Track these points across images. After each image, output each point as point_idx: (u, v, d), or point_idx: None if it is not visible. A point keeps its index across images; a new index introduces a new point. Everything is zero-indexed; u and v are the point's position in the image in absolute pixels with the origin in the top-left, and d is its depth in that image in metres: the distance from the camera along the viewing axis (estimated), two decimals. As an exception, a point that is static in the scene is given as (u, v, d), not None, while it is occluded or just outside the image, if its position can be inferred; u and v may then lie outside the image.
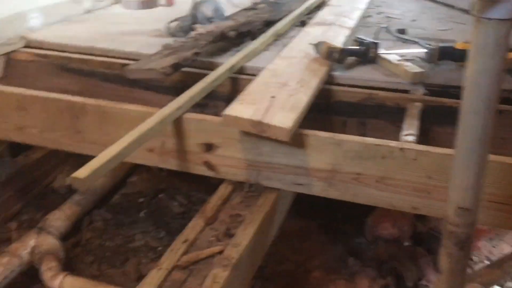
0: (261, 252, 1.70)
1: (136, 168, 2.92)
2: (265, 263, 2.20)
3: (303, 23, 2.79)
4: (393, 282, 2.10)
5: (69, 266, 2.24)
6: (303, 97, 1.73)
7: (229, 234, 1.54)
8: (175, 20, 2.66)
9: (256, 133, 1.57)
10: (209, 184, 2.66)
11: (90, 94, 2.13)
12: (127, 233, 2.51)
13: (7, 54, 2.47)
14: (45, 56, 2.45)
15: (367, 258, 2.22)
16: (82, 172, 1.30)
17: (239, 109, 1.61)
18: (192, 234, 1.53)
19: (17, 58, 2.48)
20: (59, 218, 2.36)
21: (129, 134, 1.50)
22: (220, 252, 1.45)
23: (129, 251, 2.40)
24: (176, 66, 1.94)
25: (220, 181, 1.83)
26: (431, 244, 2.30)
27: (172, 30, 2.61)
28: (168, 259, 1.43)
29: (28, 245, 2.19)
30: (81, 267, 2.29)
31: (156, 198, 2.76)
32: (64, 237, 2.35)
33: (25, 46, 2.53)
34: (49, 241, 2.22)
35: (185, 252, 1.46)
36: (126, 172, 2.88)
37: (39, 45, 2.53)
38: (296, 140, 1.61)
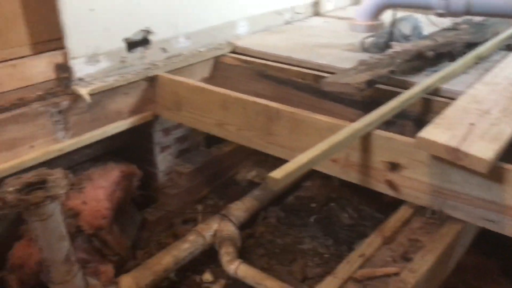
0: (437, 283, 1.64)
1: (311, 174, 3.03)
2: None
3: (509, 47, 2.58)
4: None
5: (241, 254, 2.44)
6: (506, 128, 1.62)
7: (406, 258, 1.52)
8: (371, 36, 2.69)
9: (450, 159, 1.52)
10: (381, 202, 2.65)
11: (283, 101, 2.28)
12: (297, 234, 2.63)
13: (216, 57, 2.78)
14: (247, 62, 2.70)
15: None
16: (278, 173, 1.42)
17: (435, 133, 1.58)
18: (368, 250, 1.55)
19: (223, 61, 2.79)
20: (239, 209, 2.59)
21: (321, 144, 1.58)
22: (396, 274, 1.44)
23: (297, 251, 2.51)
24: (370, 83, 1.98)
25: (395, 201, 1.80)
26: None
27: (366, 45, 2.64)
28: (344, 269, 1.47)
29: (212, 228, 2.45)
30: (252, 258, 2.47)
31: (327, 206, 2.83)
32: (241, 227, 2.57)
33: (231, 52, 2.83)
34: (229, 228, 2.46)
35: (361, 266, 1.48)
36: (302, 176, 3.00)
37: (243, 52, 2.80)
38: (493, 173, 1.51)
